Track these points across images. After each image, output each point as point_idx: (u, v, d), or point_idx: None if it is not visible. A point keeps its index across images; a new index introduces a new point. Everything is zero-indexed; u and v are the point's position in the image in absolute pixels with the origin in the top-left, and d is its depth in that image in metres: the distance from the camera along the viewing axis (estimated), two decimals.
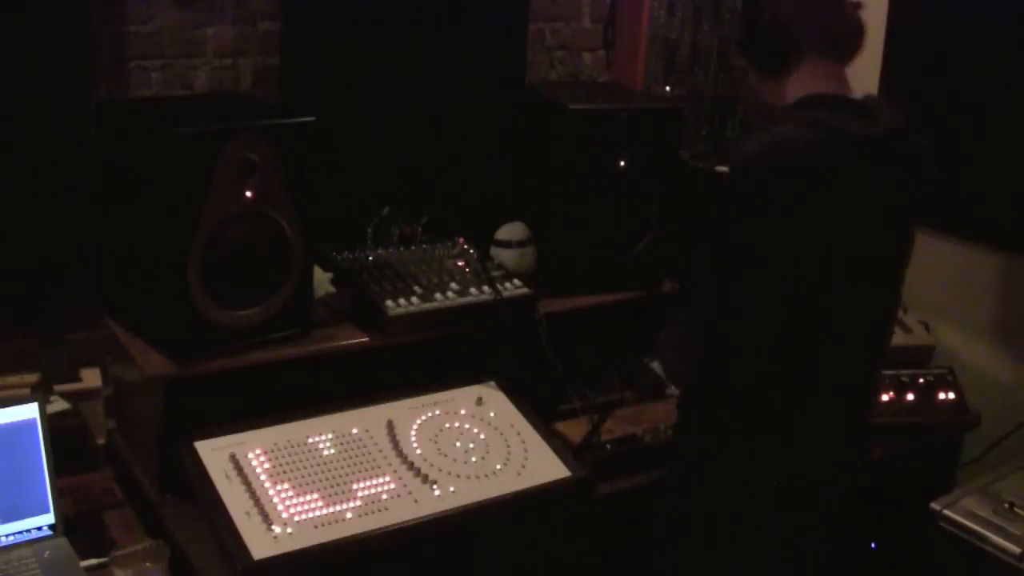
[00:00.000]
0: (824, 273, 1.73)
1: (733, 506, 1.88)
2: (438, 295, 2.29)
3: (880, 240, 1.83)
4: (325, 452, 2.08)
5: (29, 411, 1.93)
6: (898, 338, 2.47)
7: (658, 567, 2.00)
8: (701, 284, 1.77)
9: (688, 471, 1.95)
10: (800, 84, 1.82)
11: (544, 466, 2.17)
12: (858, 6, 1.85)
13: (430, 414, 2.24)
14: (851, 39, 1.84)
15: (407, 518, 1.98)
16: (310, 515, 1.93)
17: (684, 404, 1.98)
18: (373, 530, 1.94)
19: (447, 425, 2.22)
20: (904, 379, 2.64)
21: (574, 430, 2.31)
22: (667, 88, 2.91)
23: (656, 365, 2.54)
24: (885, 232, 1.84)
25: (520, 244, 2.52)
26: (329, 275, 2.32)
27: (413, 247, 2.50)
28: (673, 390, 2.53)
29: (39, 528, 1.92)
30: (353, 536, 1.92)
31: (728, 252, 1.72)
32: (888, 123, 1.79)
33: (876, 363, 2.02)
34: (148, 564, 1.86)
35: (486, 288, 2.34)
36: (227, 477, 1.98)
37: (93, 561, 1.89)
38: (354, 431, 2.14)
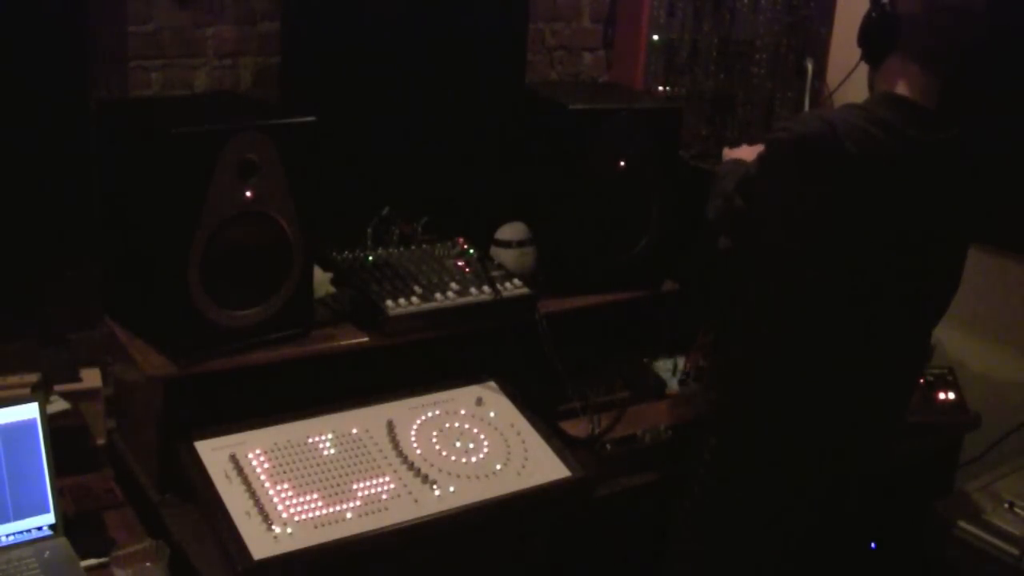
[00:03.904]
0: (859, 250, 1.84)
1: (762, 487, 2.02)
2: (438, 295, 2.28)
3: (910, 235, 1.88)
4: (325, 452, 2.08)
5: (29, 411, 1.93)
6: None
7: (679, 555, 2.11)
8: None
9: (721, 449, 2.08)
10: (883, 79, 1.88)
11: (544, 466, 2.16)
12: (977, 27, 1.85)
13: (430, 414, 2.24)
14: (953, 55, 1.86)
15: (407, 518, 1.98)
16: (310, 515, 1.93)
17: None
18: (373, 530, 1.94)
19: (447, 425, 2.22)
20: None
21: (574, 430, 2.31)
22: (667, 88, 2.91)
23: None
24: (916, 228, 1.88)
25: (520, 244, 2.52)
26: (329, 275, 2.31)
27: (413, 247, 2.49)
28: (673, 390, 2.54)
29: (39, 528, 1.92)
30: (353, 536, 1.92)
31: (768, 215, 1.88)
32: (941, 134, 1.85)
33: (912, 360, 2.12)
34: (148, 564, 1.86)
35: (486, 288, 2.34)
36: (227, 477, 1.97)
37: (93, 561, 1.89)
38: (354, 431, 2.14)
